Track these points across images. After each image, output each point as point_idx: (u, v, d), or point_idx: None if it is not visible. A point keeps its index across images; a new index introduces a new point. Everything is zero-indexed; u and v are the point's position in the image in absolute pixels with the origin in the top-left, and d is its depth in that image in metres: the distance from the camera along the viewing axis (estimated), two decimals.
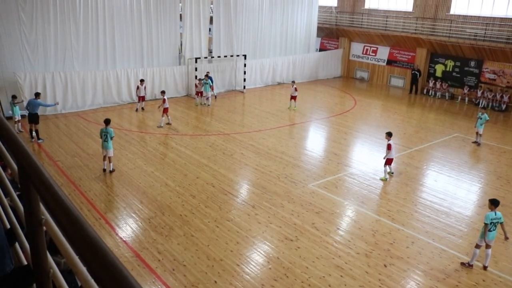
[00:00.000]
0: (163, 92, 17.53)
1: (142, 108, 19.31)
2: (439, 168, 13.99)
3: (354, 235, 9.63)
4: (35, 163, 1.60)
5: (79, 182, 11.78)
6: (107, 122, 12.31)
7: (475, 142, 16.53)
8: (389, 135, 12.95)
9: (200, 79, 20.81)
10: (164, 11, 21.16)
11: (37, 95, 15.07)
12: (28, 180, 1.61)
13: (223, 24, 23.49)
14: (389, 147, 12.70)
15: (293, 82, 21.07)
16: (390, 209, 10.92)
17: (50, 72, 18.00)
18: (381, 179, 12.81)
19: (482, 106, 21.51)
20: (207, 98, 20.64)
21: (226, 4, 23.38)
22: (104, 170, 12.48)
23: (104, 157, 12.48)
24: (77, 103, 18.89)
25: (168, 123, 17.18)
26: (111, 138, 12.22)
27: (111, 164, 12.51)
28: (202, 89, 20.46)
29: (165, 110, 16.94)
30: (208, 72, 21.40)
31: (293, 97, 20.28)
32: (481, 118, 16.20)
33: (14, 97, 15.53)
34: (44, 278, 1.71)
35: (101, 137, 12.28)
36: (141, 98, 19.15)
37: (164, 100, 16.87)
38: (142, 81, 19.09)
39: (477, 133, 16.49)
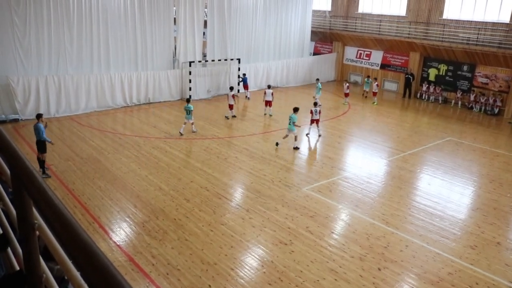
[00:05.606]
0: (231, 88, 19.87)
1: (233, 116, 19.46)
2: (433, 172, 14.06)
3: (348, 239, 9.64)
4: (27, 167, 1.58)
5: (73, 186, 11.71)
6: (188, 100, 16.90)
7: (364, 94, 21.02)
8: (314, 104, 17.39)
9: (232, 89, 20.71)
10: (158, 15, 21.13)
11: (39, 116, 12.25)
12: (21, 184, 1.60)
13: (217, 28, 23.51)
14: (310, 111, 16.88)
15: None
16: (384, 213, 10.95)
17: (44, 75, 17.89)
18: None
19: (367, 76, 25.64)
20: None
21: (220, 8, 23.41)
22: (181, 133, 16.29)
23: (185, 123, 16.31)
24: (71, 107, 18.78)
25: (233, 116, 19.27)
26: (190, 112, 16.26)
27: (193, 126, 16.67)
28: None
29: (231, 106, 19.06)
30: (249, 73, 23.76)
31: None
32: (367, 83, 19.87)
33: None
34: (37, 283, 1.70)
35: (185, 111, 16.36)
36: (231, 107, 19.31)
37: (232, 96, 19.16)
38: (231, 88, 19.99)
39: (369, 92, 20.01)
